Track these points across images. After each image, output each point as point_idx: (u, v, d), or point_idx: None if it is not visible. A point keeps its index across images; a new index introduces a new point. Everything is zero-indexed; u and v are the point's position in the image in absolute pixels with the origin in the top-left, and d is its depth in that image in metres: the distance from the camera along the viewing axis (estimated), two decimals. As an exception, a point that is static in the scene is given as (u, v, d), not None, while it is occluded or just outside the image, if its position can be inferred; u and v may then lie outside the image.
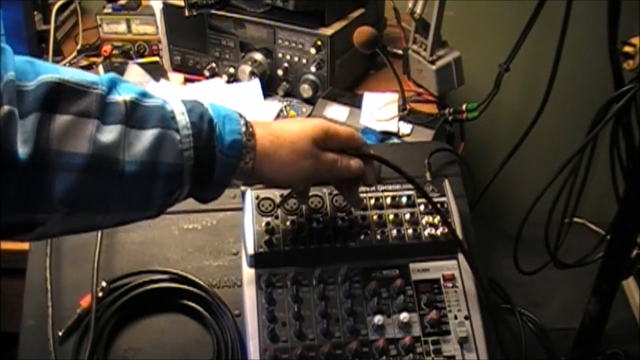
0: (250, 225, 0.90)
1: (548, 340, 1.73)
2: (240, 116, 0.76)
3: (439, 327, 0.86)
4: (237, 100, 1.35)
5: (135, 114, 0.68)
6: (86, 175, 0.64)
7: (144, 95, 0.70)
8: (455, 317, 0.87)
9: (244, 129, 0.75)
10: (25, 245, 0.95)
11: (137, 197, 0.69)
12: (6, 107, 0.59)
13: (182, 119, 0.70)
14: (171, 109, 0.71)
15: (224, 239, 0.96)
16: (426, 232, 0.92)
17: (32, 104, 0.61)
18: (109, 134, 0.65)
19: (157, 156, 0.68)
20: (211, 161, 0.72)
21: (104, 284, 0.88)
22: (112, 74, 0.71)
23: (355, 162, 0.83)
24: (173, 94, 1.37)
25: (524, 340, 1.68)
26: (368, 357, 0.84)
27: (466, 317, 0.87)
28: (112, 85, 0.68)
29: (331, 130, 0.81)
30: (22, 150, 0.60)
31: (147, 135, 0.67)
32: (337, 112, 1.30)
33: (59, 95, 0.63)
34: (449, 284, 0.89)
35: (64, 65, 1.54)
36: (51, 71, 0.65)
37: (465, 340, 0.86)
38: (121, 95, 0.68)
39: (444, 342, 0.86)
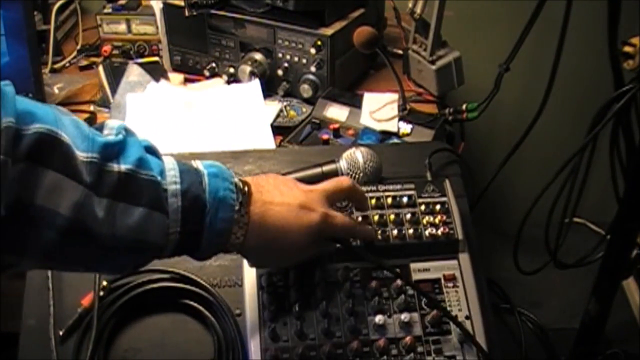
0: (251, 225, 0.89)
1: (548, 340, 1.74)
2: (237, 198, 0.73)
3: (440, 327, 0.86)
4: (237, 100, 1.35)
5: (128, 188, 0.65)
6: (65, 237, 0.62)
7: (142, 163, 0.67)
8: (456, 317, 0.87)
9: (236, 216, 0.72)
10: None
11: (114, 263, 0.69)
12: (1, 158, 0.57)
13: (174, 202, 0.68)
14: (165, 188, 0.68)
15: (224, 239, 0.96)
16: (427, 232, 0.92)
17: (24, 152, 0.59)
18: (98, 206, 0.63)
19: (142, 235, 0.66)
20: (196, 243, 0.71)
21: (105, 283, 0.88)
22: (122, 128, 0.68)
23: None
24: (175, 95, 1.37)
25: (523, 340, 1.69)
26: (369, 357, 0.84)
27: (467, 317, 0.87)
28: (114, 152, 0.66)
29: (331, 228, 0.80)
30: (5, 199, 0.58)
31: (136, 213, 0.65)
32: (337, 112, 1.30)
33: (53, 150, 0.61)
34: (450, 284, 0.89)
35: (64, 65, 1.54)
36: (49, 122, 0.61)
37: (466, 340, 0.86)
38: (119, 164, 0.65)
39: (445, 342, 0.86)
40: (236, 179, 0.75)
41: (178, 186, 0.69)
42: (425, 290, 0.88)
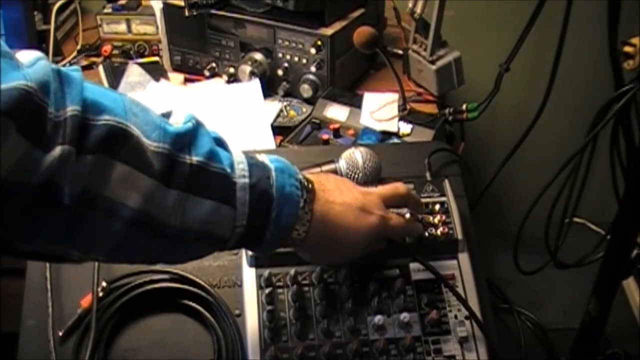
0: (251, 225, 0.89)
1: (548, 340, 1.74)
2: (302, 195, 0.73)
3: (440, 327, 0.86)
4: (237, 100, 1.35)
5: (199, 180, 0.65)
6: (134, 229, 0.62)
7: (213, 156, 0.67)
8: (456, 317, 0.87)
9: (300, 212, 0.72)
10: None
11: (179, 254, 0.70)
12: (65, 147, 0.56)
13: (243, 195, 0.68)
14: (234, 182, 0.68)
15: (224, 239, 0.96)
16: (426, 232, 0.92)
17: (93, 144, 0.58)
18: (167, 198, 0.63)
19: (210, 227, 0.67)
20: (260, 237, 0.71)
21: (104, 283, 0.88)
22: (192, 117, 0.68)
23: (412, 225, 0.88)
24: (175, 95, 1.37)
25: (523, 341, 1.69)
26: (368, 357, 0.84)
27: (466, 317, 0.87)
28: (185, 142, 0.65)
29: (388, 230, 0.82)
30: (70, 189, 0.57)
31: (205, 205, 0.65)
32: (337, 112, 1.30)
33: (123, 142, 0.60)
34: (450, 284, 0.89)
35: (64, 65, 1.54)
36: (119, 113, 0.61)
37: (466, 340, 0.86)
38: (191, 156, 0.65)
39: (444, 342, 0.86)
40: (300, 176, 0.75)
41: (247, 180, 0.69)
42: (425, 290, 0.89)
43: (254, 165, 0.71)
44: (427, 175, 1.01)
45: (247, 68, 1.38)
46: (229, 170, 0.68)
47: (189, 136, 0.66)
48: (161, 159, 0.62)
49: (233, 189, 0.68)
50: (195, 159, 0.65)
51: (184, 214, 0.64)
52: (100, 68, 1.46)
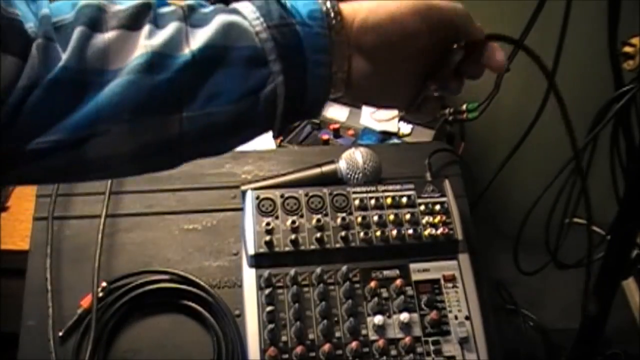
0: (251, 226, 0.90)
1: (548, 340, 1.73)
2: None
3: (440, 328, 0.87)
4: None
5: (194, 16, 0.59)
6: (143, 75, 0.55)
7: (202, 5, 0.62)
8: (456, 318, 0.87)
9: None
10: (25, 245, 0.95)
11: (211, 88, 0.57)
12: (42, 40, 0.54)
13: (245, 7, 0.60)
14: (233, 7, 0.61)
15: (224, 239, 0.96)
16: (426, 233, 0.92)
17: (73, 27, 0.56)
18: (165, 31, 0.57)
19: (228, 41, 0.58)
20: (294, 36, 0.59)
21: (104, 284, 0.88)
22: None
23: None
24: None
25: (523, 341, 1.69)
26: (368, 358, 0.84)
27: (467, 318, 0.87)
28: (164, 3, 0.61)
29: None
30: (67, 61, 0.54)
31: (211, 26, 0.58)
32: (337, 112, 1.30)
33: (102, 15, 0.57)
34: (449, 284, 0.89)
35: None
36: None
37: (466, 341, 0.86)
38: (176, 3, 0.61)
39: (445, 343, 0.86)
40: None
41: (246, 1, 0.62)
42: (425, 290, 0.89)
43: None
44: (427, 175, 1.02)
45: (247, 68, 1.38)
46: (223, 5, 0.63)
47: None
48: (147, 12, 0.59)
49: (234, 8, 0.61)
50: (185, 3, 0.61)
51: (193, 38, 0.57)
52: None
